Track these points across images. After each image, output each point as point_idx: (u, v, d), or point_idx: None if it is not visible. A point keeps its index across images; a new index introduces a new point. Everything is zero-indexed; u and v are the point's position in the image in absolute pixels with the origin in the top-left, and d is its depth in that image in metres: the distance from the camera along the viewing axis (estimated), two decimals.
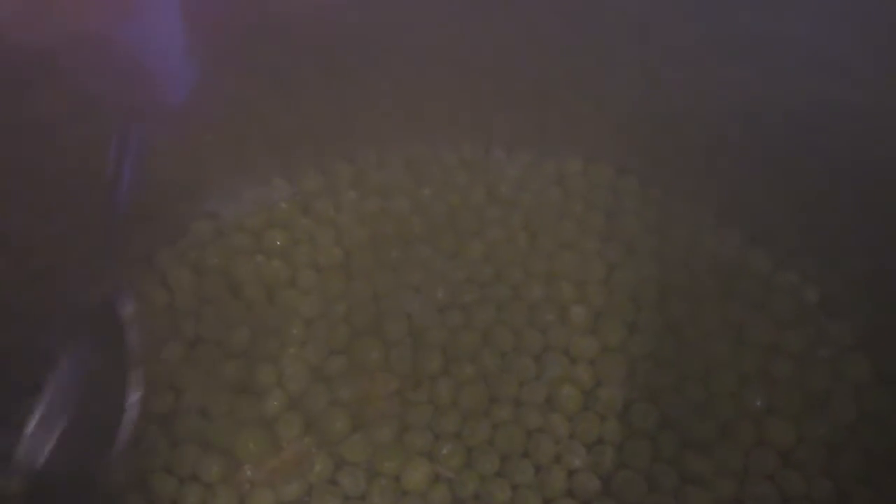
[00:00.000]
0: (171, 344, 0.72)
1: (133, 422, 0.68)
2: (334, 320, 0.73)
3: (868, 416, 0.68)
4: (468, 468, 0.66)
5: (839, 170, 0.71)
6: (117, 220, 0.75)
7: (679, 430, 0.67)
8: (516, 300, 0.73)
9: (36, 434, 0.64)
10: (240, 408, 0.69)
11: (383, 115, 0.81)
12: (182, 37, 0.70)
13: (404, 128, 0.82)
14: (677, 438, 0.67)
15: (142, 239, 0.77)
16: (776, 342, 0.70)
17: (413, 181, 0.80)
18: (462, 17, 0.76)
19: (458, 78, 0.79)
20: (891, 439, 0.67)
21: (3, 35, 0.62)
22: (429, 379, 0.70)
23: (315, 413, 0.69)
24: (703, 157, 0.78)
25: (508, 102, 0.81)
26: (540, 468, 0.66)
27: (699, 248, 0.76)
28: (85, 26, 0.65)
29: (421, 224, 0.77)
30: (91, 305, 0.73)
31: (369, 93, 0.79)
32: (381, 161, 0.81)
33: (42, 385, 0.69)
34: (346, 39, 0.76)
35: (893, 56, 0.64)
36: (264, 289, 0.74)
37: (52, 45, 0.63)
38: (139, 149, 0.69)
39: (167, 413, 0.69)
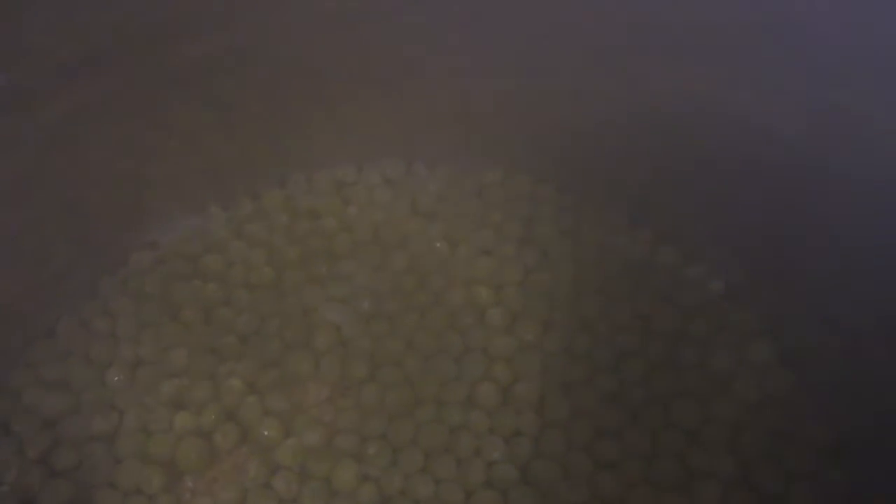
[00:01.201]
0: (113, 368, 0.76)
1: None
2: (267, 335, 0.77)
3: (770, 396, 0.72)
4: (394, 466, 0.70)
5: (741, 170, 0.76)
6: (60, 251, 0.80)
7: (591, 418, 0.71)
8: (437, 306, 0.77)
9: None
10: (179, 422, 0.73)
11: (312, 140, 0.85)
12: None
13: (332, 151, 0.86)
14: (590, 426, 0.71)
15: (84, 269, 0.81)
16: (682, 330, 0.74)
17: (340, 201, 0.84)
18: (382, 41, 0.81)
19: (381, 100, 0.84)
20: (791, 417, 0.71)
21: None
22: (357, 385, 0.74)
23: (250, 423, 0.73)
24: (615, 163, 0.82)
25: (430, 121, 0.85)
26: (461, 462, 0.70)
27: (611, 248, 0.80)
28: None
29: (347, 241, 0.81)
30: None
31: (300, 120, 0.84)
32: (310, 184, 0.85)
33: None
34: (279, 70, 0.80)
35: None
36: (201, 310, 0.78)
37: None
38: None
39: (111, 432, 0.73)
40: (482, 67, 0.82)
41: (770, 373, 0.73)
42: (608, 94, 0.79)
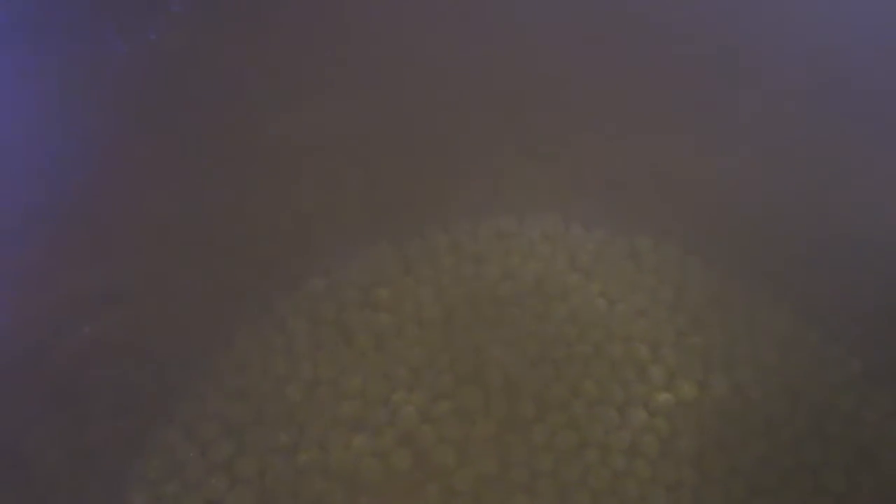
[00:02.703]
0: (292, 384, 0.81)
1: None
2: (439, 369, 0.82)
3: None
4: (562, 503, 0.75)
5: (877, 256, 0.83)
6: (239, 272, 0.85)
7: (746, 477, 0.77)
8: (599, 357, 0.83)
9: None
10: (357, 443, 0.77)
11: (476, 192, 0.91)
12: None
13: (494, 205, 0.92)
14: (745, 485, 0.76)
15: (262, 291, 0.86)
16: (828, 404, 0.81)
17: (502, 250, 0.90)
18: (546, 111, 0.88)
19: (537, 167, 0.91)
20: None
21: None
22: (525, 423, 0.79)
23: (424, 449, 0.77)
24: (761, 240, 0.89)
25: (583, 186, 0.92)
26: None
27: (757, 320, 0.86)
28: None
29: (510, 288, 0.87)
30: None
31: (466, 173, 0.90)
32: (473, 232, 0.91)
33: None
34: (444, 127, 0.87)
35: None
36: (374, 338, 0.83)
37: None
38: None
39: (291, 446, 0.78)
40: (627, 145, 0.89)
41: None
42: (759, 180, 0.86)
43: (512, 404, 0.80)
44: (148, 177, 0.80)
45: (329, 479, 0.76)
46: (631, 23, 0.84)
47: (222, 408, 0.79)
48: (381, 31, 0.81)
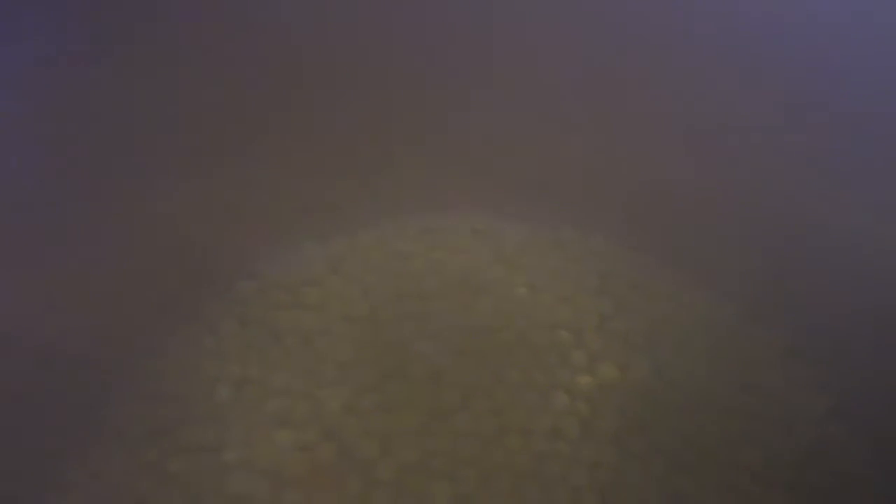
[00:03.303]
0: (220, 385, 0.82)
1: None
2: (364, 364, 0.83)
3: (827, 443, 0.79)
4: (485, 487, 0.76)
5: (799, 234, 0.84)
6: (169, 277, 0.86)
7: (667, 455, 0.78)
8: (522, 345, 0.84)
9: None
10: (281, 438, 0.79)
11: (404, 190, 0.93)
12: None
13: (422, 202, 0.94)
14: (665, 461, 0.77)
15: (192, 296, 0.87)
16: (748, 380, 0.82)
17: (428, 246, 0.91)
18: (476, 108, 0.89)
19: (469, 164, 0.92)
20: (847, 463, 0.78)
21: None
22: (450, 412, 0.80)
23: (348, 442, 0.78)
24: (684, 225, 0.90)
25: (511, 182, 0.93)
26: (547, 486, 0.76)
27: (679, 303, 0.87)
28: None
29: (436, 282, 0.88)
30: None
31: (389, 169, 0.92)
32: (401, 229, 0.92)
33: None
34: (371, 127, 0.89)
35: None
36: (301, 337, 0.85)
37: None
38: None
39: (217, 444, 0.79)
40: (555, 140, 0.90)
41: (824, 423, 0.80)
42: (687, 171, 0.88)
43: (436, 395, 0.81)
44: (75, 181, 0.81)
45: (254, 474, 0.77)
46: (559, 19, 0.86)
47: (151, 411, 0.80)
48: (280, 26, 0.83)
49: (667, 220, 0.90)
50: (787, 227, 0.85)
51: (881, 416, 0.79)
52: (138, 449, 0.78)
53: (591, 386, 0.81)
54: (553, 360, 0.83)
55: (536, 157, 0.91)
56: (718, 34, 0.87)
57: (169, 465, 0.77)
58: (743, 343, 0.85)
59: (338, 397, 0.81)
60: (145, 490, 0.76)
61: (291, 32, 0.81)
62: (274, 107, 0.85)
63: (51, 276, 0.81)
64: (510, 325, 0.85)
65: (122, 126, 0.81)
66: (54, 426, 0.79)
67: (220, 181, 0.86)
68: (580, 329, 0.85)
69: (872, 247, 0.81)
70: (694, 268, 0.90)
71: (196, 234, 0.87)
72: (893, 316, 0.80)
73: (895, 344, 0.80)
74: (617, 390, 0.81)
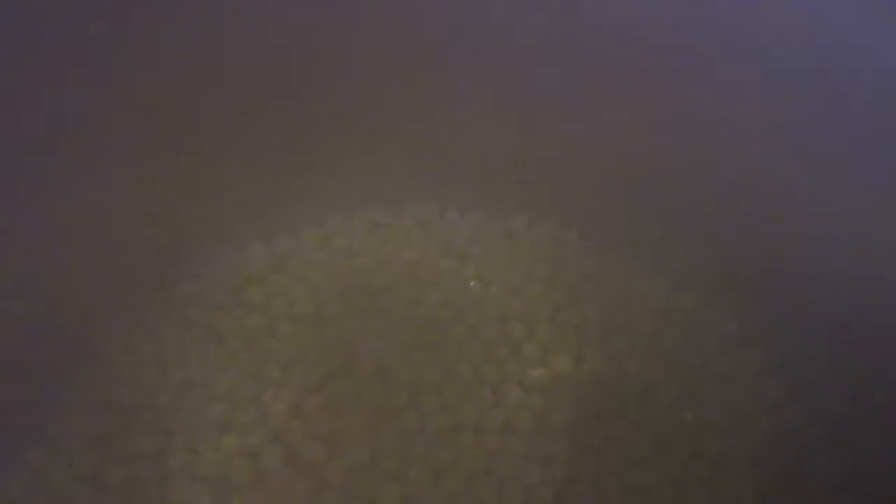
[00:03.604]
0: (162, 391, 0.79)
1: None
2: (309, 364, 0.80)
3: (783, 429, 0.78)
4: (436, 487, 0.74)
5: (751, 222, 0.83)
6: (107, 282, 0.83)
7: (622, 446, 0.76)
8: (473, 339, 0.82)
9: None
10: (226, 444, 0.76)
11: (347, 184, 0.91)
12: None
13: (368, 197, 0.91)
14: (621, 454, 0.75)
15: (130, 299, 0.84)
16: (703, 366, 0.80)
17: (376, 241, 0.89)
18: (418, 99, 0.87)
19: (413, 153, 0.90)
20: (803, 448, 0.77)
21: None
22: (398, 411, 0.77)
23: (294, 445, 0.76)
24: (631, 214, 0.88)
25: (459, 172, 0.91)
26: (501, 485, 0.74)
27: (632, 292, 0.86)
28: None
29: (384, 277, 0.86)
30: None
31: (334, 165, 0.89)
32: (347, 225, 0.90)
33: None
34: (314, 123, 0.86)
35: None
36: (245, 338, 0.82)
37: None
38: None
39: (158, 452, 0.76)
40: (496, 126, 0.88)
41: (782, 408, 0.78)
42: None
43: (384, 393, 0.79)
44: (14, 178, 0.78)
45: (198, 481, 0.74)
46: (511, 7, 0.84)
47: (89, 420, 0.77)
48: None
49: (618, 208, 0.88)
50: (740, 213, 0.83)
51: (837, 400, 0.77)
52: (76, 459, 0.76)
53: (543, 378, 0.80)
54: (504, 353, 0.81)
55: (483, 147, 0.88)
56: (683, 12, 0.84)
57: (108, 475, 0.75)
58: (697, 330, 0.83)
59: (283, 399, 0.78)
60: (84, 501, 0.73)
61: (238, 33, 0.78)
62: (215, 106, 0.82)
63: None
64: (460, 318, 0.83)
65: (57, 121, 0.78)
66: None
67: (161, 181, 0.83)
68: (532, 320, 0.83)
69: (829, 232, 0.80)
70: (646, 255, 0.88)
71: (135, 235, 0.84)
72: (849, 298, 0.79)
73: (851, 327, 0.78)
74: (570, 382, 0.80)
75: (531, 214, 0.91)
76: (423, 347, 0.81)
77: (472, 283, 0.85)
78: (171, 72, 0.81)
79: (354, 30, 0.84)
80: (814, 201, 0.79)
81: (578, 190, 0.89)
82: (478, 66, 0.86)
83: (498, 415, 0.77)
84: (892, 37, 0.70)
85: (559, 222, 0.91)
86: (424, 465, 0.75)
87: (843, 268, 0.78)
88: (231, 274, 0.86)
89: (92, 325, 0.82)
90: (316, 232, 0.89)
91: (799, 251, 0.81)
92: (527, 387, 0.79)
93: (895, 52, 0.70)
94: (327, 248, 0.88)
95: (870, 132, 0.74)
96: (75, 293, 0.81)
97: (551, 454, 0.75)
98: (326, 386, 0.79)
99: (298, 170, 0.89)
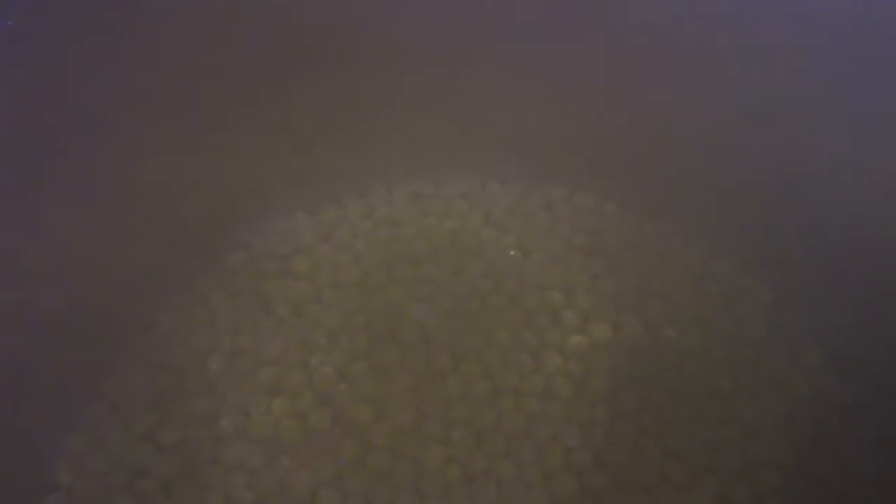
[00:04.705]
0: (213, 356, 0.82)
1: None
2: (355, 330, 0.83)
3: (818, 394, 0.79)
4: (477, 449, 0.77)
5: (794, 190, 0.84)
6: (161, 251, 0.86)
7: (659, 411, 0.78)
8: (513, 307, 0.84)
9: None
10: (276, 406, 0.79)
11: (390, 156, 0.93)
12: None
13: (411, 169, 0.93)
14: (657, 418, 0.77)
15: (182, 268, 0.88)
16: (739, 333, 0.82)
17: (418, 212, 0.91)
18: (459, 74, 0.89)
19: (455, 126, 0.92)
20: (838, 413, 0.78)
21: None
22: (440, 375, 0.80)
23: (342, 407, 0.79)
24: (671, 183, 0.90)
25: (499, 145, 0.93)
26: (540, 447, 0.76)
27: (670, 259, 0.87)
28: None
29: (426, 246, 0.88)
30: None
31: (378, 138, 0.91)
32: (389, 196, 0.92)
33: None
34: (357, 96, 0.88)
35: None
36: (292, 306, 0.85)
37: None
38: None
39: (211, 414, 0.79)
40: (539, 99, 0.90)
41: (819, 374, 0.80)
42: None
43: (427, 359, 0.81)
44: (70, 156, 0.81)
45: (249, 442, 0.77)
46: None
47: (145, 382, 0.81)
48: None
49: (656, 177, 0.89)
50: (781, 181, 0.84)
51: (873, 365, 0.79)
52: (134, 419, 0.79)
53: (582, 345, 0.82)
54: (544, 320, 0.83)
55: (522, 118, 0.90)
56: None
57: (165, 435, 0.78)
58: (734, 297, 0.84)
59: (330, 364, 0.81)
60: (142, 459, 0.77)
61: (283, 8, 0.80)
62: (262, 81, 0.84)
63: (50, 250, 0.80)
64: (501, 287, 0.85)
65: (110, 99, 0.81)
66: (50, 400, 0.79)
67: (210, 154, 0.86)
68: (571, 289, 0.85)
69: (871, 200, 0.80)
70: (684, 223, 0.89)
71: (186, 206, 0.87)
72: (886, 266, 0.79)
73: (889, 295, 0.79)
74: (609, 349, 0.81)
75: (571, 185, 0.92)
76: (465, 315, 0.83)
77: (512, 253, 0.87)
78: (218, 46, 0.83)
79: (402, 5, 0.86)
80: (857, 171, 0.80)
81: (618, 161, 0.91)
82: (519, 42, 0.87)
83: (538, 380, 0.79)
84: None
85: (598, 193, 0.92)
86: (467, 428, 0.77)
87: (882, 236, 0.79)
88: (278, 243, 0.89)
89: (144, 293, 0.85)
90: (360, 202, 0.91)
91: (839, 219, 0.82)
92: (566, 353, 0.81)
93: None
94: (371, 218, 0.90)
95: None
96: (130, 262, 0.84)
97: (590, 418, 0.77)
98: (372, 351, 0.81)
99: (342, 142, 0.91)
